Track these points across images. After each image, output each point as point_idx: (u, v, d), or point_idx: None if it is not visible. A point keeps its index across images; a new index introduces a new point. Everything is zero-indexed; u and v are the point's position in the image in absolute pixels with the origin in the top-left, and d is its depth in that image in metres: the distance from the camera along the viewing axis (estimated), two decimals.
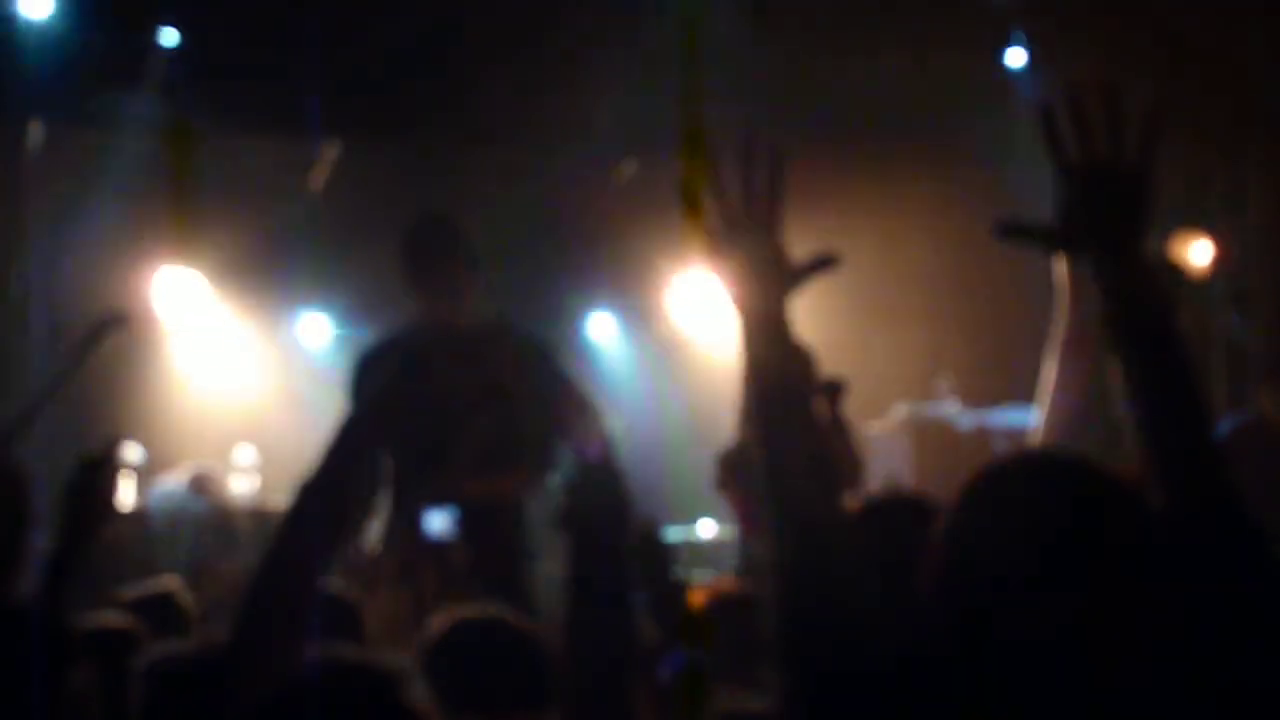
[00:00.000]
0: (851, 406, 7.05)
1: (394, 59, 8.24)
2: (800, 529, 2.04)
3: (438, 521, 4.71)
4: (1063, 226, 2.03)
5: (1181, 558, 1.78)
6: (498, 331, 5.00)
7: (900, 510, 2.49)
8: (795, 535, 2.05)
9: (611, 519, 2.65)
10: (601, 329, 10.00)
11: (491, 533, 4.75)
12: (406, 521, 4.85)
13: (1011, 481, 1.82)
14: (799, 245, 2.20)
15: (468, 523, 4.70)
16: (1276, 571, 1.87)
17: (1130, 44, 8.11)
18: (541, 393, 4.79)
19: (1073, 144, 2.00)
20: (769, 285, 2.14)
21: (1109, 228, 1.99)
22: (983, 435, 7.83)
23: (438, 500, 4.75)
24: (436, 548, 4.72)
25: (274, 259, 8.58)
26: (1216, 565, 1.84)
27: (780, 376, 2.11)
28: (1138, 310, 1.97)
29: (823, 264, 2.18)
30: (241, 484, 8.08)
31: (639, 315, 9.88)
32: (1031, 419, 7.22)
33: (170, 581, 4.39)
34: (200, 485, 7.56)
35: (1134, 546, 1.73)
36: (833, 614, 2.00)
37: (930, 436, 8.02)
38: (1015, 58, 8.94)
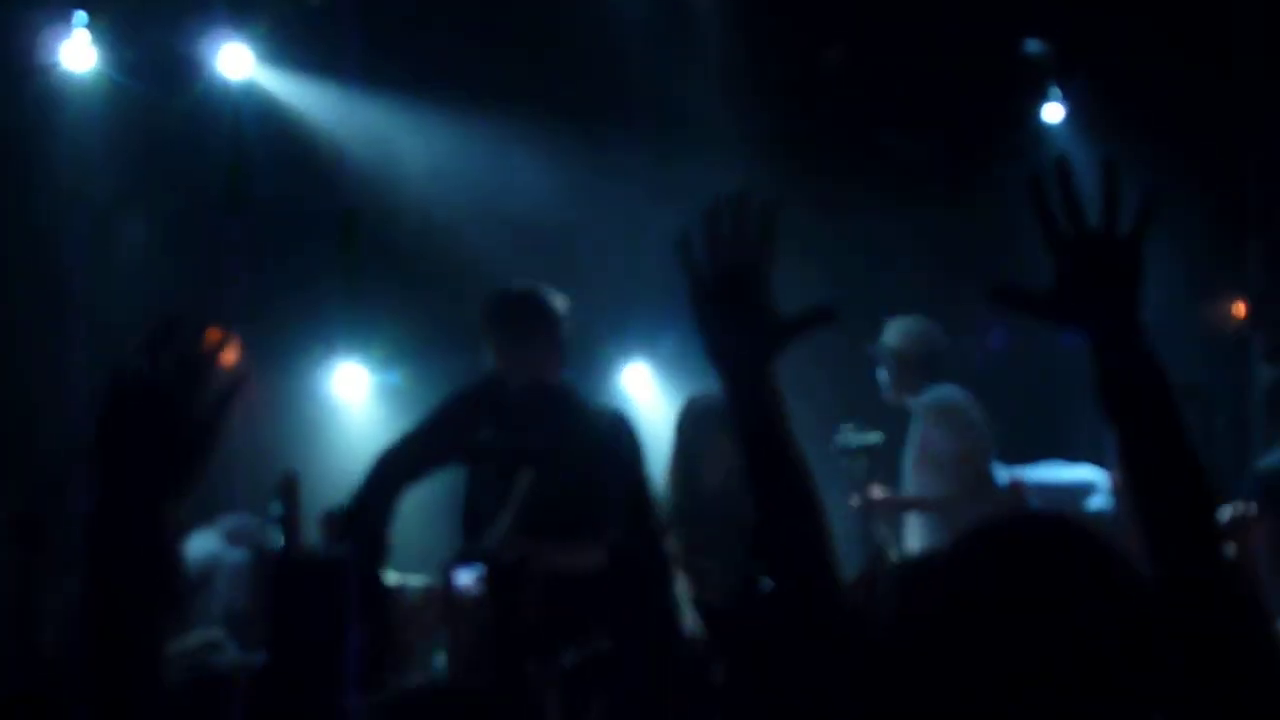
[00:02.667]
0: (892, 464, 7.08)
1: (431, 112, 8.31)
2: (792, 590, 2.02)
3: (464, 577, 4.75)
4: (1054, 296, 2.01)
5: (1170, 632, 1.74)
6: (563, 395, 5.04)
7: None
8: (788, 589, 2.03)
9: (655, 582, 2.66)
10: (637, 380, 9.99)
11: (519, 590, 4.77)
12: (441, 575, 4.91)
13: (999, 547, 1.80)
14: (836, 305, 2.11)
15: (496, 580, 4.72)
16: (1269, 651, 1.83)
17: (1166, 97, 8.12)
18: (594, 458, 4.82)
19: (1063, 216, 1.99)
20: (756, 345, 2.08)
21: (1101, 300, 1.96)
22: (1017, 490, 7.78)
23: (471, 557, 4.79)
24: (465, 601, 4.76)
25: (309, 308, 8.61)
26: (1204, 645, 1.79)
27: (769, 436, 2.05)
28: (1132, 383, 1.94)
29: (818, 318, 2.12)
30: (279, 536, 8.05)
31: (675, 366, 9.87)
32: (1070, 475, 7.11)
33: (213, 633, 4.43)
34: (237, 537, 7.55)
35: (1120, 618, 1.70)
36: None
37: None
38: (1053, 113, 8.96)
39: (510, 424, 4.92)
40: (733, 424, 2.09)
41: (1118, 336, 1.95)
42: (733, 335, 2.07)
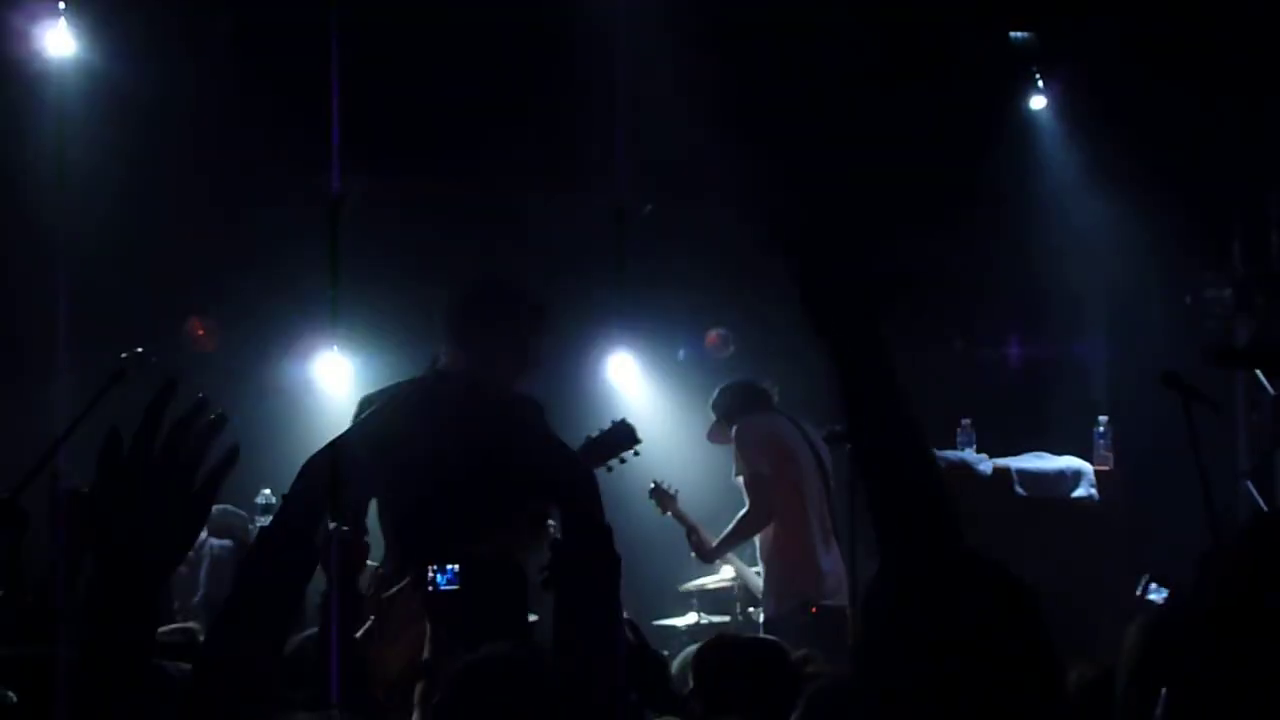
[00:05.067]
0: None
1: (414, 102, 8.28)
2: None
3: (442, 576, 4.74)
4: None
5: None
6: (493, 389, 4.99)
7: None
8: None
9: (599, 576, 2.64)
10: (621, 370, 9.97)
11: (496, 588, 4.75)
12: (413, 572, 4.88)
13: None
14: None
15: (471, 577, 4.71)
16: None
17: (1151, 85, 8.11)
18: (532, 450, 4.78)
19: None
20: (865, 296, 1.99)
21: None
22: (1002, 478, 7.82)
23: (442, 555, 4.77)
24: (441, 598, 4.74)
25: (290, 299, 8.59)
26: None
27: (878, 392, 1.99)
28: None
29: (907, 282, 2.05)
30: (261, 525, 8.04)
31: (659, 356, 9.87)
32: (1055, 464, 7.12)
33: (190, 626, 4.42)
34: (220, 527, 7.56)
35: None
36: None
37: (950, 479, 8.02)
38: (1035, 102, 8.99)
39: (441, 427, 4.87)
40: (839, 383, 1.99)
41: None
42: (838, 288, 1.99)
